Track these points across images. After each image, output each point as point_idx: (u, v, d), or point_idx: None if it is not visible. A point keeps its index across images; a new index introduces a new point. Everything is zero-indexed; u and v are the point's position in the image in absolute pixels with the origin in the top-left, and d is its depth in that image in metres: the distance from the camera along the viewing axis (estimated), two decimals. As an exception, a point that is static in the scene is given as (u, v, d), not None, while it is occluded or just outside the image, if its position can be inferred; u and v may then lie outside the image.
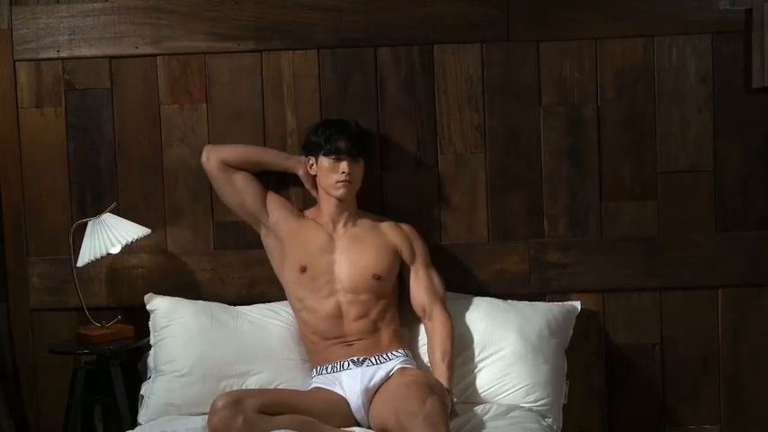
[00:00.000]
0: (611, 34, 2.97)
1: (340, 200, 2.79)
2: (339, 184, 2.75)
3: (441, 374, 2.68)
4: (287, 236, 2.81)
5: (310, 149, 2.81)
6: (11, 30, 2.98)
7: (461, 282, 2.99)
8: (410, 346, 2.83)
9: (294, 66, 3.03)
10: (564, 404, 2.85)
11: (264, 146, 3.03)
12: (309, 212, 2.90)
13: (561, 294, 3.02)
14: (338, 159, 2.75)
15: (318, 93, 3.02)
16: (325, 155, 2.75)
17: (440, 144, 3.03)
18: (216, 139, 3.03)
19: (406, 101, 3.03)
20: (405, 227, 2.89)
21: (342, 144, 2.76)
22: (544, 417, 2.73)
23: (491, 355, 2.79)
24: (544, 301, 3.00)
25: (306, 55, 3.02)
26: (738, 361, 3.06)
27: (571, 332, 2.92)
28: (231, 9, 2.96)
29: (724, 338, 3.06)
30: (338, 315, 2.74)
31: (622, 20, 2.96)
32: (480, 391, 2.76)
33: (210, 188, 2.99)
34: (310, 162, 2.82)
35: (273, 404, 2.55)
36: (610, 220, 3.05)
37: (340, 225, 2.83)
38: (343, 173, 2.74)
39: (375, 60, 3.03)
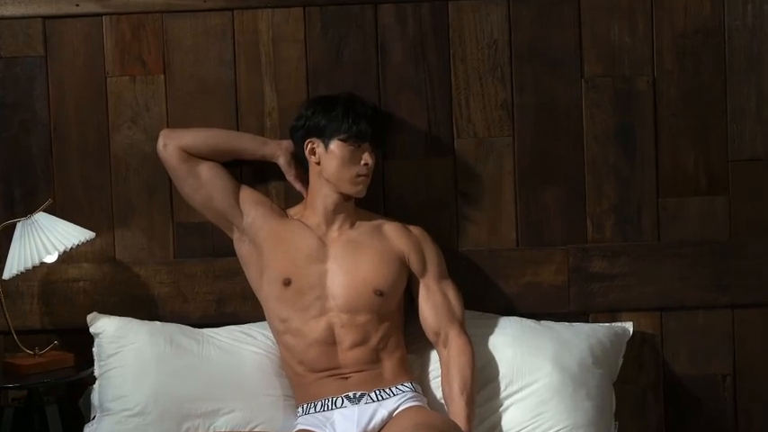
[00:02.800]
0: (672, -14, 2.75)
1: (350, 197, 2.65)
2: (360, 178, 2.59)
3: (458, 413, 2.46)
4: (266, 240, 2.58)
5: (315, 131, 2.61)
6: None
7: (483, 298, 2.77)
8: (419, 378, 2.62)
9: (274, 27, 2.76)
10: (613, 450, 2.64)
11: (237, 128, 2.78)
12: (294, 211, 2.68)
13: (609, 313, 2.79)
14: (359, 147, 2.57)
15: (305, 61, 2.75)
16: (343, 140, 2.57)
17: (456, 125, 2.76)
18: (176, 119, 2.78)
19: (415, 71, 2.77)
20: (414, 230, 2.66)
21: (365, 128, 2.58)
22: (586, 465, 2.53)
23: (521, 389, 2.57)
24: (587, 321, 2.78)
25: (289, 13, 2.75)
26: (831, 395, 2.84)
27: (621, 360, 2.69)
28: (195, -45, 2.77)
29: (813, 367, 2.83)
30: (331, 341, 2.53)
31: (686, -34, 2.77)
32: (510, 429, 2.56)
33: (170, 181, 2.75)
34: (311, 146, 2.59)
35: None
36: (669, 219, 2.78)
37: (334, 227, 2.62)
38: (366, 164, 2.58)
39: (375, 20, 2.76)
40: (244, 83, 2.77)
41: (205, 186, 2.64)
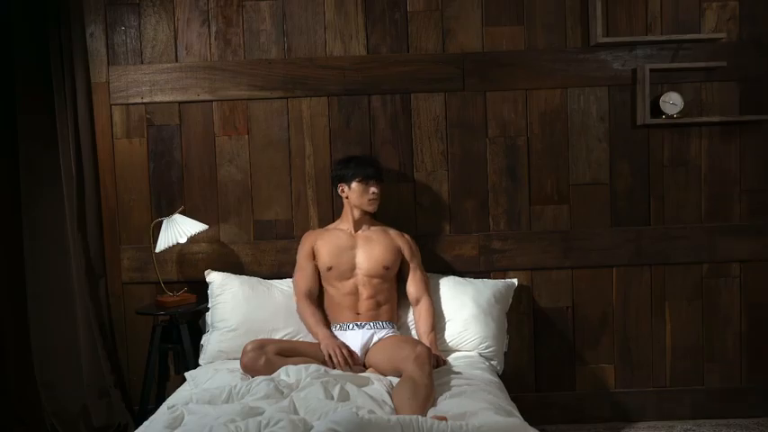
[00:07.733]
0: (537, 86, 3.31)
1: (368, 212, 3.03)
2: (371, 201, 3.01)
3: (427, 342, 2.92)
4: (318, 254, 3.09)
5: (342, 179, 3.03)
6: (108, 83, 3.33)
7: (431, 263, 3.28)
8: (400, 322, 3.10)
9: (311, 108, 3.32)
10: (505, 351, 3.18)
11: (289, 167, 3.27)
12: (332, 226, 3.16)
13: (502, 272, 3.35)
14: (368, 183, 3.01)
15: (328, 127, 3.33)
16: (358, 181, 2.99)
17: (415, 164, 3.34)
18: (255, 161, 3.28)
19: (391, 133, 3.32)
20: (406, 235, 3.16)
21: (370, 171, 3.03)
22: (491, 360, 3.08)
23: (455, 316, 3.10)
24: (490, 278, 3.30)
25: (319, 100, 3.33)
26: (626, 317, 3.41)
27: (510, 300, 3.24)
28: (266, 68, 3.31)
29: (617, 302, 3.40)
30: (354, 293, 3.02)
31: (545, 76, 3.31)
32: (448, 341, 3.09)
33: (251, 194, 3.29)
34: (342, 187, 3.05)
35: (288, 349, 2.82)
36: (536, 218, 3.37)
37: (360, 230, 3.07)
38: (374, 192, 3.02)
39: (369, 105, 3.30)
40: (293, 139, 3.32)
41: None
